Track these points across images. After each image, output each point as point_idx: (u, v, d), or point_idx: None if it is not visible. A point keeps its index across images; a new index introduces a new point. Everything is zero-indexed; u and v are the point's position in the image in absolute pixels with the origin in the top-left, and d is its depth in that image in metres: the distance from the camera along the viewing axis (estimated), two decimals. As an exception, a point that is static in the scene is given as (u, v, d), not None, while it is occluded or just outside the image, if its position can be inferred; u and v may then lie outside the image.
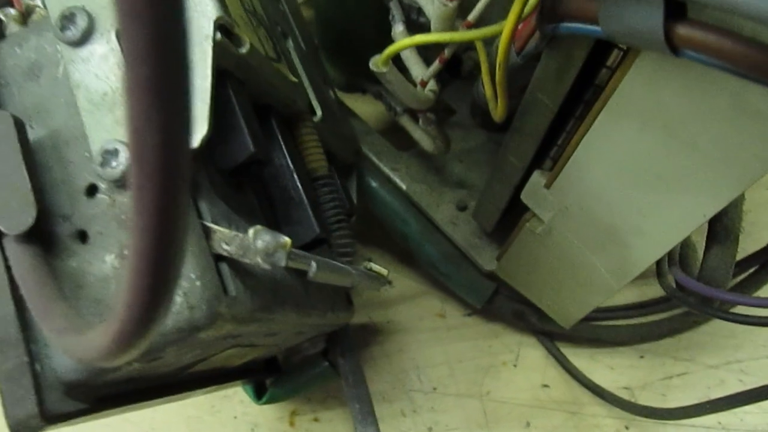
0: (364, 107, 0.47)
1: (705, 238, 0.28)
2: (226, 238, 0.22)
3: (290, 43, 0.33)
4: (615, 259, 0.29)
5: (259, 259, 0.22)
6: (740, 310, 0.29)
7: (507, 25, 0.23)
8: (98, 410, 0.23)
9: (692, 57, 0.18)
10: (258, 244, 0.21)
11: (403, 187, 0.41)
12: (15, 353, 0.21)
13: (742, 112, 0.20)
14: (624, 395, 0.41)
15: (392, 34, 0.33)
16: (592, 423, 0.40)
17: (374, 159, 0.42)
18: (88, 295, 0.22)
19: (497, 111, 0.27)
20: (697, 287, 0.26)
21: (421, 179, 0.42)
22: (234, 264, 0.23)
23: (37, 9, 0.26)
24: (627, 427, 0.40)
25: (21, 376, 0.21)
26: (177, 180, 0.11)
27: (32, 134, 0.23)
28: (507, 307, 0.41)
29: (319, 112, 0.32)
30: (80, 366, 0.22)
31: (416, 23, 0.33)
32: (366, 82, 0.43)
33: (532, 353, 0.43)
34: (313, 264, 0.24)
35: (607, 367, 0.42)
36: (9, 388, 0.21)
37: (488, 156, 0.43)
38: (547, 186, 0.30)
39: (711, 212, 0.23)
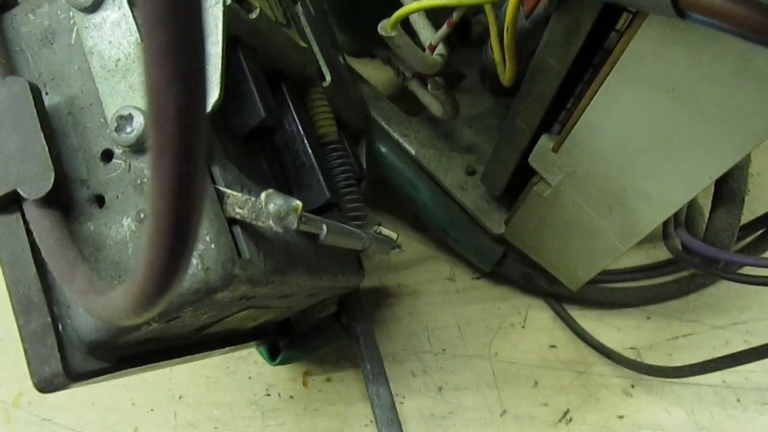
0: (374, 72, 0.48)
1: (711, 201, 0.28)
2: (239, 202, 0.23)
3: (299, 8, 0.33)
4: (622, 221, 0.30)
5: (271, 222, 0.22)
6: (747, 270, 0.29)
7: (515, -12, 0.23)
8: (120, 369, 0.24)
9: (698, 20, 0.18)
10: (270, 207, 0.22)
11: (413, 152, 0.42)
12: (38, 314, 0.22)
13: (747, 75, 0.20)
14: (630, 355, 0.41)
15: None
16: (599, 382, 0.41)
17: (383, 124, 0.43)
18: (107, 258, 0.23)
19: (506, 75, 0.27)
20: (702, 248, 0.27)
21: (431, 144, 0.42)
22: (247, 227, 0.23)
23: None
24: (633, 386, 0.41)
25: (45, 336, 0.22)
26: (195, 143, 0.11)
27: (48, 100, 0.24)
28: (515, 270, 0.42)
29: (328, 78, 0.32)
30: (102, 326, 0.22)
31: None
32: (375, 47, 0.43)
33: (539, 315, 0.43)
34: (324, 227, 0.25)
35: (614, 328, 0.43)
36: (33, 347, 0.22)
37: (497, 121, 0.43)
38: (555, 150, 0.30)
39: (717, 174, 0.24)
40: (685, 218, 0.30)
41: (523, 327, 0.43)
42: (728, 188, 0.26)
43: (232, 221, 0.23)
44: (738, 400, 0.40)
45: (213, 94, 0.22)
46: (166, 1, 0.10)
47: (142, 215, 0.22)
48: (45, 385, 0.22)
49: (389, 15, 0.29)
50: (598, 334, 0.42)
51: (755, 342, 0.41)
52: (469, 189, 0.41)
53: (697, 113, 0.22)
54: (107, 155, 0.23)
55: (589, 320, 0.43)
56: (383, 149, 0.42)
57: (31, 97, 0.23)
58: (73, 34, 0.24)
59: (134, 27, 0.23)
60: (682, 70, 0.22)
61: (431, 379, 0.41)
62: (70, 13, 0.24)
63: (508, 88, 0.29)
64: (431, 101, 0.38)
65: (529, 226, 0.37)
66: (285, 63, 0.28)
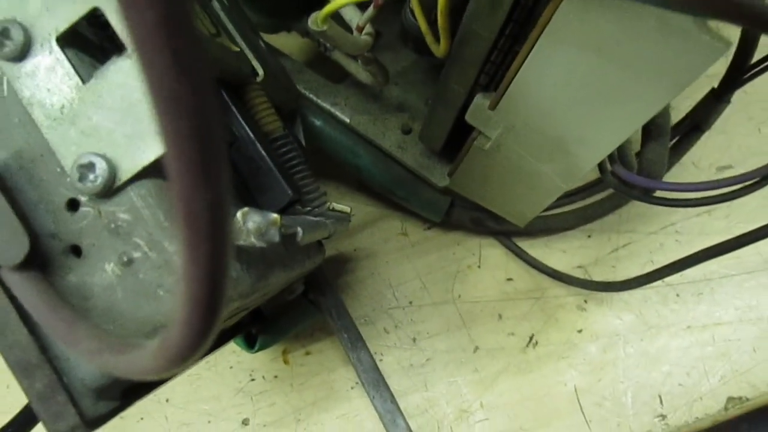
0: (287, 41, 0.47)
1: (641, 135, 0.30)
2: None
3: (215, 3, 0.33)
4: (562, 165, 0.32)
5: (253, 240, 0.23)
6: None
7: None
8: (128, 404, 0.25)
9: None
10: (249, 225, 0.23)
11: (347, 120, 0.42)
12: (41, 374, 0.23)
13: (667, 30, 0.22)
14: (579, 274, 0.45)
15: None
16: (555, 304, 0.44)
17: (313, 97, 0.43)
18: (96, 306, 0.23)
19: (440, 50, 0.28)
20: (639, 181, 0.29)
21: (363, 110, 0.43)
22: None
23: None
24: (586, 301, 0.44)
25: (54, 393, 0.22)
26: (224, 235, 0.12)
27: (-2, 158, 0.23)
28: (464, 216, 0.44)
29: (261, 72, 0.32)
30: (106, 372, 0.23)
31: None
32: (291, 21, 0.43)
33: (492, 252, 0.46)
34: (299, 230, 0.26)
35: (560, 251, 0.46)
36: (45, 407, 0.22)
37: (422, 75, 0.44)
38: (492, 108, 0.32)
39: (646, 119, 0.26)
40: (618, 154, 0.32)
41: (479, 267, 0.45)
42: (656, 125, 0.28)
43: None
44: (677, 295, 0.44)
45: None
46: (193, 122, 0.11)
47: (125, 258, 0.22)
48: (73, 436, 0.22)
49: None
50: (547, 260, 0.45)
51: (684, 240, 0.46)
52: (407, 148, 0.42)
53: (625, 68, 0.24)
54: (72, 204, 0.23)
55: (537, 248, 0.46)
56: (318, 122, 0.42)
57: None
58: (4, 86, 0.23)
59: (72, 71, 0.22)
60: (608, 30, 0.23)
61: (404, 332, 0.44)
62: None
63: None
64: (358, 70, 0.38)
65: (473, 176, 0.38)
66: (222, 70, 0.28)
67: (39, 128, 0.23)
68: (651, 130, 0.29)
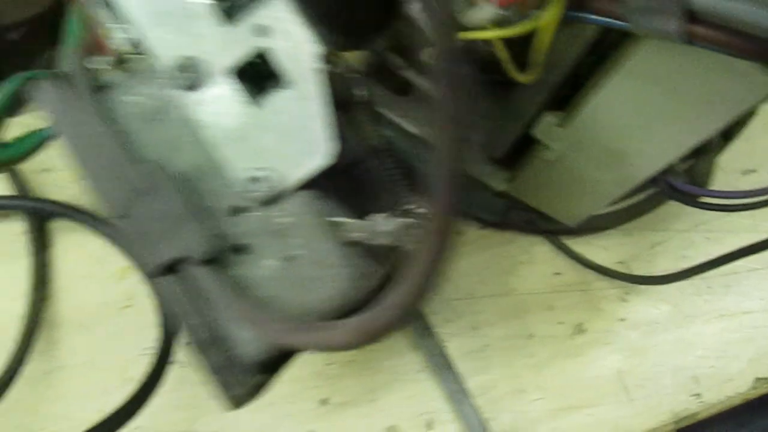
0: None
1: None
2: (356, 228, 0.28)
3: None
4: (621, 174, 0.37)
5: (383, 240, 0.28)
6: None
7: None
8: (276, 372, 0.30)
9: (700, 46, 0.24)
10: (385, 227, 0.28)
11: (417, 131, 0.47)
12: (216, 351, 0.27)
13: (731, 70, 0.27)
14: (620, 268, 0.50)
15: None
16: (600, 295, 0.49)
17: (385, 111, 0.48)
18: (256, 295, 0.28)
19: (526, 78, 0.33)
20: (689, 189, 0.34)
21: (425, 121, 0.48)
22: (361, 245, 0.28)
23: (130, 55, 0.29)
24: (627, 293, 0.49)
25: (227, 366, 0.27)
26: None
27: (172, 171, 0.27)
28: (518, 217, 0.49)
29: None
30: (266, 347, 0.28)
31: None
32: (364, 41, 0.47)
33: (541, 249, 0.51)
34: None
35: (602, 248, 0.51)
36: (220, 377, 0.27)
37: (476, 89, 0.49)
38: (561, 126, 0.37)
39: (703, 139, 0.31)
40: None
41: (530, 262, 0.50)
42: (708, 141, 0.33)
43: (353, 244, 0.28)
44: (709, 287, 0.49)
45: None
46: (455, 199, 0.16)
47: (287, 255, 0.27)
48: (239, 403, 0.27)
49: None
50: (591, 256, 0.50)
51: (714, 237, 0.51)
52: (468, 155, 0.47)
53: (690, 98, 0.29)
54: (236, 210, 0.28)
55: (581, 245, 0.51)
56: (388, 133, 0.47)
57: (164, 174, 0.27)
58: (176, 110, 0.28)
59: (241, 98, 0.27)
60: (678, 68, 0.28)
61: (464, 321, 0.49)
62: (169, 92, 0.28)
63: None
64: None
65: (532, 182, 0.43)
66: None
67: (208, 146, 0.28)
68: (704, 145, 0.34)
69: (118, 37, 0.28)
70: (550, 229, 0.50)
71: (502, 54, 0.34)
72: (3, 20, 0.48)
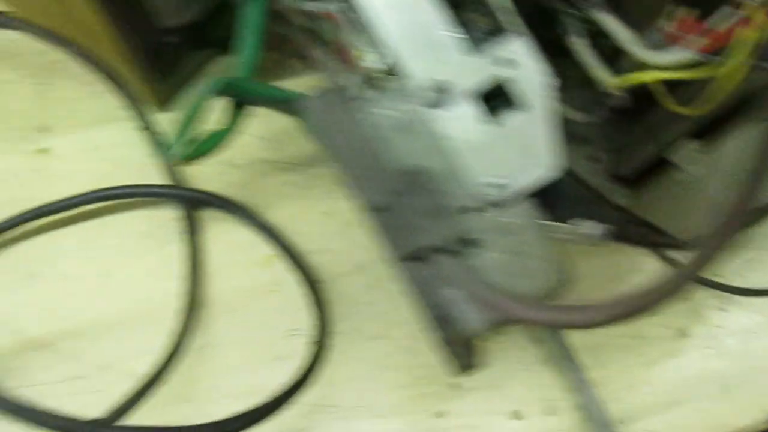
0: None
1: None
2: (561, 230, 0.34)
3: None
4: (752, 196, 0.42)
5: (581, 242, 0.34)
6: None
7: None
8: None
9: None
10: (584, 231, 0.33)
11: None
12: (448, 326, 0.33)
13: None
14: (720, 280, 0.56)
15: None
16: (701, 304, 0.55)
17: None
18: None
19: (696, 111, 0.38)
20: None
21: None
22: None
23: (380, 74, 0.34)
24: (724, 303, 0.55)
25: (457, 340, 0.33)
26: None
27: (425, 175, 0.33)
28: (633, 232, 0.55)
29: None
30: (486, 322, 0.33)
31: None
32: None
33: (647, 260, 0.57)
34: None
35: (700, 262, 0.57)
36: (453, 349, 0.33)
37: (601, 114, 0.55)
38: (702, 152, 0.42)
39: None
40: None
41: (638, 271, 0.56)
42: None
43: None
44: (797, 301, 0.55)
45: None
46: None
47: (513, 250, 0.33)
48: (466, 370, 0.33)
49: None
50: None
51: (803, 257, 0.56)
52: (594, 173, 0.53)
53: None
54: (464, 210, 0.34)
55: (683, 259, 0.56)
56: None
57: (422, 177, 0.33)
58: (423, 123, 0.34)
59: (481, 117, 0.33)
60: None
61: (579, 320, 0.54)
62: (415, 107, 0.33)
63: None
64: (574, 115, 0.49)
65: (657, 199, 0.49)
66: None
67: (449, 155, 0.33)
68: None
69: (370, 59, 0.34)
70: (659, 242, 0.56)
71: (659, 87, 0.40)
72: (164, 23, 0.53)
